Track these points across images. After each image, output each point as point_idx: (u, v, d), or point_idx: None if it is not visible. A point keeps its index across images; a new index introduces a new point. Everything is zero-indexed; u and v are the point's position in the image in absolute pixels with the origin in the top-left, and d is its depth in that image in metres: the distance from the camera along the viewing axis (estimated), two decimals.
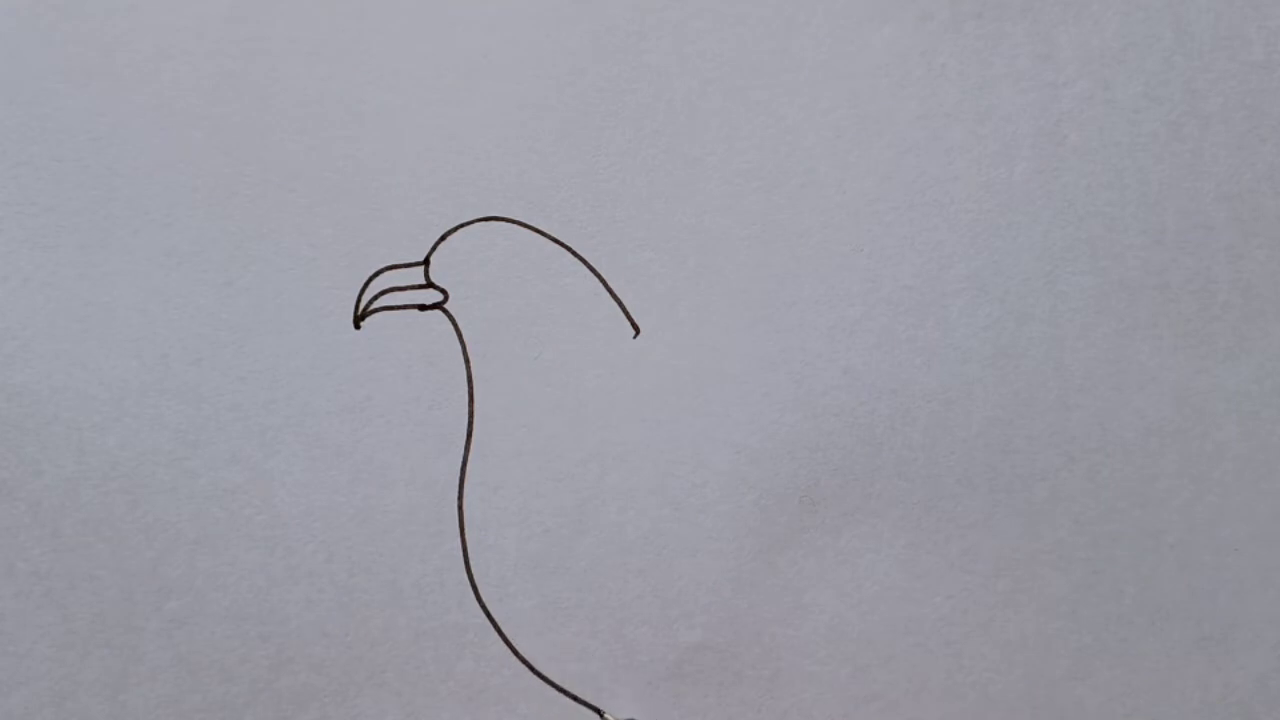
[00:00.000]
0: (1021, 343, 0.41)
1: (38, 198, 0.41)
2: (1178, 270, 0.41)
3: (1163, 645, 0.39)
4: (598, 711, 0.39)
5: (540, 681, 0.39)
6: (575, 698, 0.39)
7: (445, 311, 0.41)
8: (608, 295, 0.41)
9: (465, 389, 0.41)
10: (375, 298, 0.41)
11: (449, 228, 0.41)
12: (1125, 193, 0.41)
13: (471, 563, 0.40)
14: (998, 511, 0.40)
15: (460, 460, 0.40)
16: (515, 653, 0.39)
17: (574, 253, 0.41)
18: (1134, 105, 0.41)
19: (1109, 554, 0.40)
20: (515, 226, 0.41)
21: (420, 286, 0.41)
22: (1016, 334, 0.41)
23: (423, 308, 0.41)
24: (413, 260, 0.41)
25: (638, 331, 0.41)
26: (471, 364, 0.41)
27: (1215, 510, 0.40)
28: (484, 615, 0.39)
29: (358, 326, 0.41)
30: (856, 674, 0.39)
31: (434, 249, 0.41)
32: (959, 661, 0.39)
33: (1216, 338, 0.41)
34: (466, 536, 0.40)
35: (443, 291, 0.41)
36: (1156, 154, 0.41)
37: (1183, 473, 0.40)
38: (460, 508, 0.40)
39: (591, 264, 0.41)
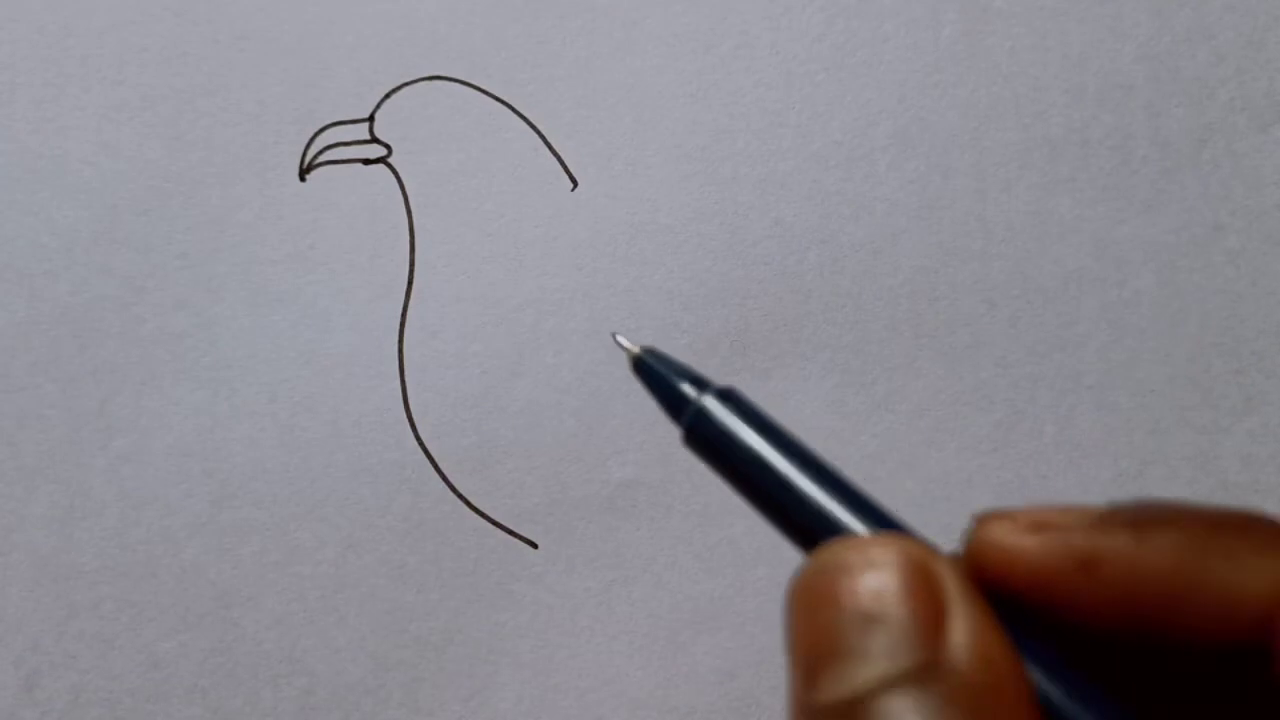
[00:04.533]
0: (946, 196, 0.42)
1: None
2: (1097, 127, 0.42)
3: (1080, 481, 0.40)
4: (531, 544, 0.40)
5: (476, 516, 0.40)
6: (510, 531, 0.40)
7: (389, 165, 0.42)
8: (546, 150, 0.42)
9: (406, 239, 0.42)
10: (320, 152, 0.42)
11: (393, 86, 0.42)
12: (1048, 54, 0.43)
13: (410, 403, 0.41)
14: (922, 355, 0.41)
15: (401, 306, 0.41)
16: (452, 488, 0.40)
17: (514, 109, 0.42)
18: None
19: (1029, 395, 0.41)
20: (457, 85, 0.43)
21: (365, 142, 0.42)
22: (942, 187, 0.42)
23: (367, 162, 0.42)
24: (358, 117, 0.42)
25: (575, 184, 0.42)
26: (413, 215, 0.42)
27: (1131, 353, 0.41)
28: (422, 453, 0.40)
29: (303, 179, 0.42)
30: None
31: (379, 106, 0.42)
32: (883, 498, 0.40)
33: (1133, 191, 0.42)
34: (406, 378, 0.41)
35: (386, 146, 0.42)
36: (1078, 17, 0.43)
37: (1100, 318, 0.41)
38: (400, 350, 0.41)
39: (531, 120, 0.42)
